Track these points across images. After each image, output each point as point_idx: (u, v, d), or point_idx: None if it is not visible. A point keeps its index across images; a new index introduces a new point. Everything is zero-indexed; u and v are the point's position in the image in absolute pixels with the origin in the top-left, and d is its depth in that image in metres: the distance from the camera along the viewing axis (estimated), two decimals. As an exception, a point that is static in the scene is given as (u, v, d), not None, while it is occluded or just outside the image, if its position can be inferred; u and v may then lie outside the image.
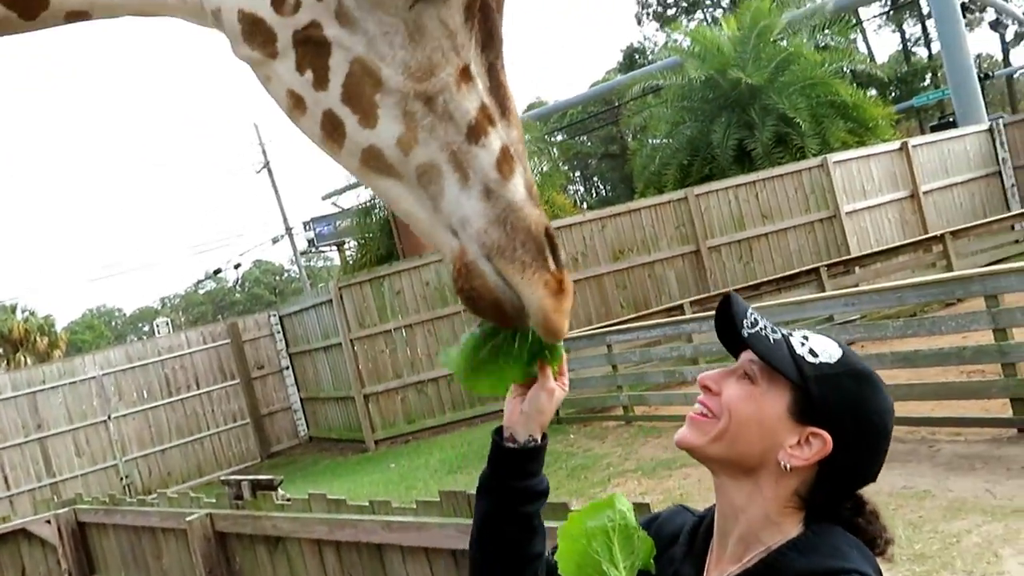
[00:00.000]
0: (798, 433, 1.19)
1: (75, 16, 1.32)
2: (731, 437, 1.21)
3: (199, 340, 15.97)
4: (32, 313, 36.85)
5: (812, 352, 1.21)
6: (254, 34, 1.19)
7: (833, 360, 1.21)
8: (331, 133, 1.20)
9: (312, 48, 1.18)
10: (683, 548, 1.32)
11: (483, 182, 1.17)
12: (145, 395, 15.26)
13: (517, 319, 1.22)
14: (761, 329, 1.24)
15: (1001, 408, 6.67)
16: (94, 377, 14.85)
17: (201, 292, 72.73)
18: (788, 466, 1.18)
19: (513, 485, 1.37)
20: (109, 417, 14.81)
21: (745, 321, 1.24)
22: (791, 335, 1.25)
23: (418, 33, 1.16)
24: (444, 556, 3.34)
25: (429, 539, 3.36)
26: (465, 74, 1.18)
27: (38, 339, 30.54)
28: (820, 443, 1.17)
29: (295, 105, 1.21)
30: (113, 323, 78.15)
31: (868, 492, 1.23)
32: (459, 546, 3.17)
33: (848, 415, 1.18)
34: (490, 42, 1.21)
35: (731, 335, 1.27)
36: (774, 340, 1.23)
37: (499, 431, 1.40)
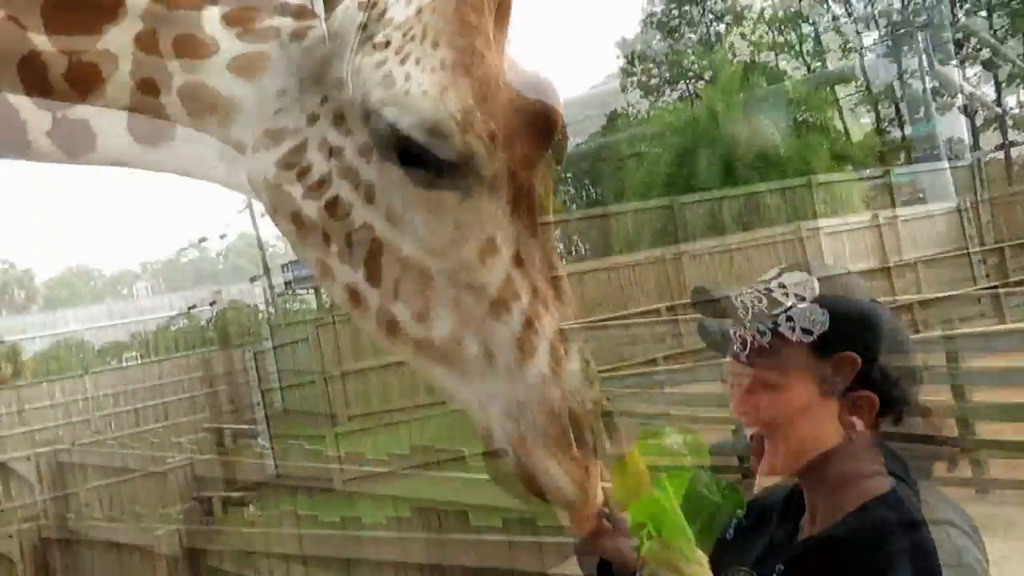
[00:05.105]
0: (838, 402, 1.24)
1: (114, 162, 1.40)
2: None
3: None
4: (11, 265, 33.73)
5: (788, 319, 1.26)
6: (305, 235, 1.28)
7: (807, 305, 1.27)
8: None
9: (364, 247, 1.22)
10: (778, 513, 1.34)
11: (505, 361, 1.15)
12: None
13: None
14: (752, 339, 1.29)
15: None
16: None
17: (184, 260, 71.87)
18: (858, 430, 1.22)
19: None
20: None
21: (742, 354, 1.31)
22: (776, 319, 1.28)
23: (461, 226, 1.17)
24: (413, 571, 3.27)
25: (401, 553, 3.17)
26: (490, 247, 1.16)
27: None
28: (850, 365, 1.24)
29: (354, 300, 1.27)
30: (92, 283, 77.02)
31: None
32: (429, 560, 3.15)
33: (850, 330, 1.25)
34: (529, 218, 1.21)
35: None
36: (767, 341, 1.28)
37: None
